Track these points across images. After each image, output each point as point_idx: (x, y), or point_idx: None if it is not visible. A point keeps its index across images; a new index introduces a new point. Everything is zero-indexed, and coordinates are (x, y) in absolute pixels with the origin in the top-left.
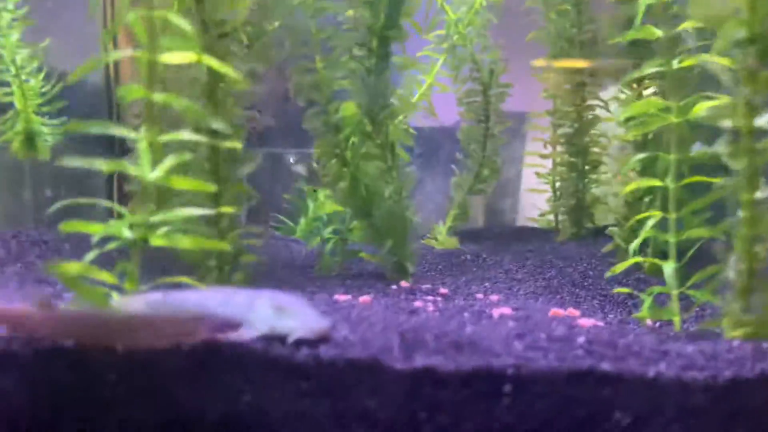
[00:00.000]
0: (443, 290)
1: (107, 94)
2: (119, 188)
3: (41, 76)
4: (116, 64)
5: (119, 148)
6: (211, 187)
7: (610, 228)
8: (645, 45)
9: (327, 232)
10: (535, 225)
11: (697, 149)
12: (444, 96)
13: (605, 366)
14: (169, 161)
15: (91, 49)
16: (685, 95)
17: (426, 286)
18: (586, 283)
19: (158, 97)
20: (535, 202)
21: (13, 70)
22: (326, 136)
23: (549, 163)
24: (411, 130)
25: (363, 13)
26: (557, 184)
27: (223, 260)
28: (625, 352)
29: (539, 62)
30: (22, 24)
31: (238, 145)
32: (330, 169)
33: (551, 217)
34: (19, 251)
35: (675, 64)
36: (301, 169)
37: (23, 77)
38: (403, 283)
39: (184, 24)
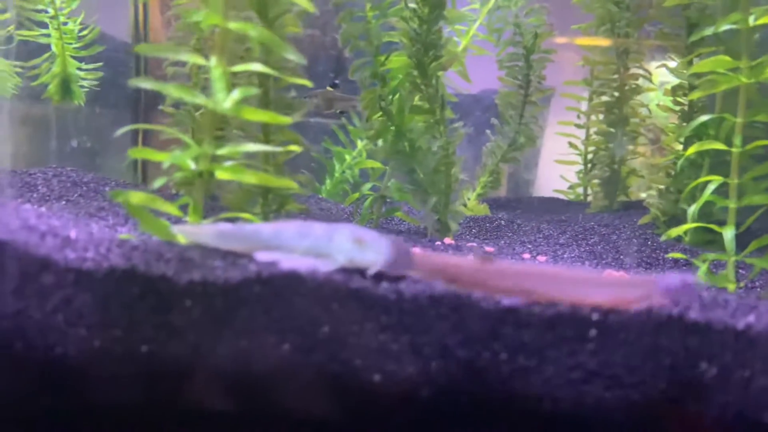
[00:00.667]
0: (489, 248)
1: (134, 47)
2: (143, 138)
3: (79, 19)
4: (145, 21)
5: (144, 104)
6: (287, 120)
7: (647, 199)
8: (700, 9)
9: (365, 188)
10: (562, 197)
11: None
12: (474, 63)
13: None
14: (240, 92)
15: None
16: (755, 56)
17: (471, 244)
18: (631, 251)
19: (234, 25)
20: (557, 173)
21: (51, 11)
22: (372, 87)
23: (580, 132)
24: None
25: None
26: (590, 156)
27: (268, 207)
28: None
29: (583, 40)
30: None
31: (306, 82)
32: (374, 124)
33: (580, 189)
34: (61, 189)
35: (751, 21)
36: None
37: (61, 19)
38: (447, 240)
39: None
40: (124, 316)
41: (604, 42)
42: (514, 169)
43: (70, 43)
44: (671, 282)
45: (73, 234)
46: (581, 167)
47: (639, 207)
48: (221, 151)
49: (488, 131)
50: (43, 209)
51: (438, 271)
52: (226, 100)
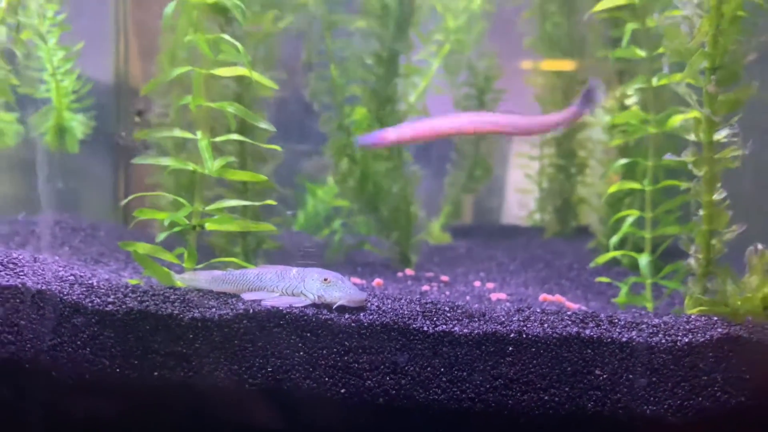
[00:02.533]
0: (444, 278)
1: (116, 93)
2: (126, 179)
3: (74, 76)
4: (126, 64)
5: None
6: (263, 178)
7: (592, 226)
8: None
9: (336, 224)
10: (521, 223)
11: (668, 158)
12: (435, 97)
13: (588, 332)
14: (221, 160)
15: (98, 51)
16: (661, 109)
17: (429, 274)
18: (571, 275)
19: (214, 105)
20: (520, 201)
21: (50, 69)
22: (338, 137)
23: (535, 163)
24: None
25: (374, 25)
26: (544, 185)
27: (247, 247)
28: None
29: (527, 64)
30: (60, 29)
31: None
32: (341, 167)
33: (538, 215)
34: (64, 236)
35: (654, 82)
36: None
37: (59, 77)
38: (408, 271)
39: (236, 43)
40: (139, 347)
41: (546, 79)
42: (479, 197)
43: (66, 98)
44: None
45: (95, 282)
46: (538, 195)
47: (588, 232)
48: (209, 208)
49: (448, 165)
50: (57, 258)
51: None
52: (212, 166)
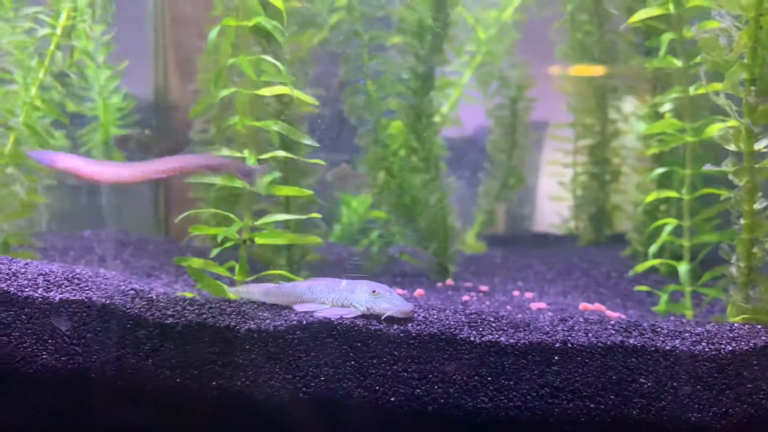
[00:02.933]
0: (483, 287)
1: (155, 109)
2: (165, 193)
3: (121, 94)
4: (165, 80)
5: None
6: (309, 193)
7: (628, 234)
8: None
9: (373, 235)
10: (555, 231)
11: (708, 167)
12: (465, 106)
13: (632, 341)
14: (269, 176)
15: (138, 68)
16: (698, 118)
17: (467, 284)
18: (609, 284)
19: (273, 125)
20: (553, 209)
21: (96, 87)
22: (375, 150)
23: (569, 171)
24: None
25: (410, 41)
26: (578, 193)
27: (292, 258)
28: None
29: (555, 69)
30: (107, 49)
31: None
32: (378, 180)
33: (572, 223)
34: (115, 250)
35: (692, 91)
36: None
37: (105, 95)
38: (448, 282)
39: (277, 63)
40: (198, 358)
41: (579, 87)
42: (512, 206)
43: (112, 115)
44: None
45: (153, 296)
46: (572, 203)
47: (623, 240)
48: (258, 222)
49: (480, 174)
50: (115, 273)
51: None
52: (261, 183)
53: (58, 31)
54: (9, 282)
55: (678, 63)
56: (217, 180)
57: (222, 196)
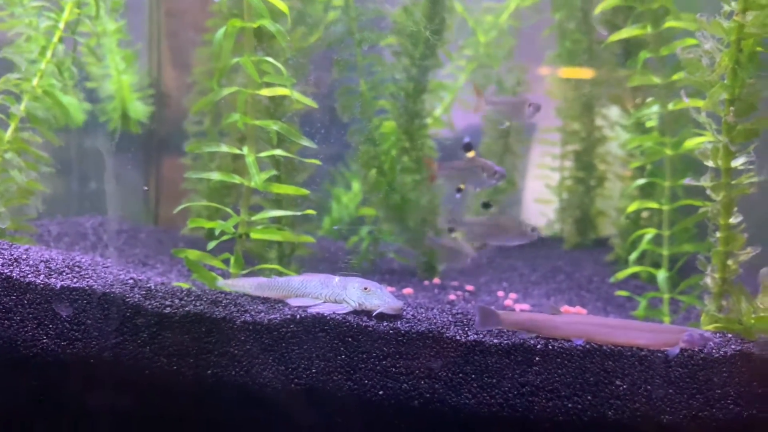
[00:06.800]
0: (469, 287)
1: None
2: (156, 182)
3: (134, 70)
4: (159, 71)
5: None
6: (305, 192)
7: (611, 239)
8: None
9: (363, 232)
10: (542, 233)
11: (688, 181)
12: (459, 111)
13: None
14: (265, 173)
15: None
16: (679, 131)
17: (454, 283)
18: (591, 287)
19: (272, 124)
20: (540, 211)
21: (112, 66)
22: (366, 148)
23: (555, 174)
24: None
25: (405, 42)
26: (564, 196)
27: (282, 253)
28: None
29: (545, 71)
30: (120, 35)
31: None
32: (369, 178)
33: (557, 226)
34: (108, 238)
35: (670, 106)
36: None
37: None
38: (435, 280)
39: (279, 66)
40: (194, 347)
41: (575, 73)
42: (500, 208)
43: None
44: (692, 333)
45: (152, 285)
46: (558, 206)
47: (607, 244)
48: (255, 218)
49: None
50: (111, 261)
51: (519, 324)
52: (259, 180)
53: (68, 18)
54: (12, 267)
55: (656, 80)
56: (218, 176)
57: (213, 187)
